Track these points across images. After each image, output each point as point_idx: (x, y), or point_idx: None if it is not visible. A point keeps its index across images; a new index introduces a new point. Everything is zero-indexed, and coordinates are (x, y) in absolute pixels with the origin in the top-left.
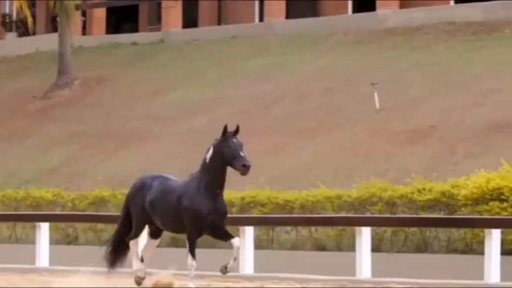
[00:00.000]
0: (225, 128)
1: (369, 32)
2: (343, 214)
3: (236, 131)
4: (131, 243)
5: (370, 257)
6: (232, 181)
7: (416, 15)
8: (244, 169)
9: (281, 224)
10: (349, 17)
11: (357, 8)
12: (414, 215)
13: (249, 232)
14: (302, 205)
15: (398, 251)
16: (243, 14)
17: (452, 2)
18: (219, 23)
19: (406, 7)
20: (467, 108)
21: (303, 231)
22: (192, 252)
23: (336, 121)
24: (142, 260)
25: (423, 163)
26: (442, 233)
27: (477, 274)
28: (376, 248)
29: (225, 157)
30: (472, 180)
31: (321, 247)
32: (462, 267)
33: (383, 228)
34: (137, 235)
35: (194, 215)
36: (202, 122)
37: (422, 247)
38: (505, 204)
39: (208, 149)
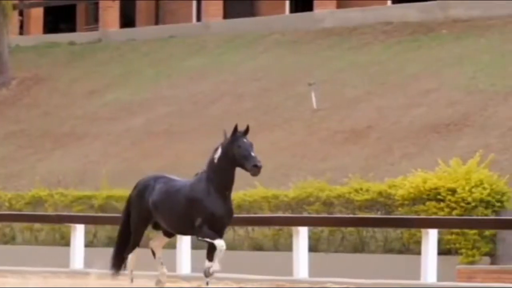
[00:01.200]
0: (235, 127)
1: (306, 32)
2: (280, 214)
3: (246, 130)
4: (131, 257)
5: (307, 257)
6: None
7: (353, 15)
8: (255, 169)
9: None
10: (286, 17)
11: (294, 8)
12: (351, 215)
13: None
14: (239, 205)
15: (335, 251)
16: (180, 14)
17: (389, 3)
18: (156, 23)
19: (343, 7)
20: (404, 108)
21: (240, 231)
22: (212, 237)
23: (273, 121)
24: (154, 254)
25: (360, 163)
26: (379, 233)
27: (413, 274)
28: (313, 248)
29: (235, 157)
30: (409, 180)
31: (258, 247)
32: (399, 267)
33: (320, 228)
34: (136, 242)
35: (209, 218)
36: (139, 121)
37: (359, 247)
38: (441, 204)
39: (216, 149)
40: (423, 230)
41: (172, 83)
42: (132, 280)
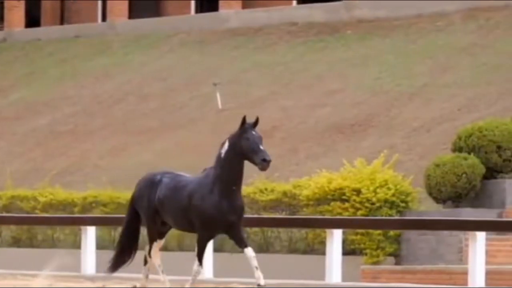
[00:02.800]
0: (244, 119)
1: (211, 32)
2: None
3: (256, 123)
4: (153, 253)
5: (212, 257)
6: (74, 182)
7: (259, 15)
8: (264, 163)
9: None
10: (192, 17)
11: (200, 8)
12: (256, 215)
13: (90, 232)
14: None
15: (240, 251)
16: (85, 14)
17: (294, 3)
18: (61, 23)
19: (248, 7)
20: (309, 108)
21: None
22: (199, 256)
23: (178, 121)
24: (146, 262)
25: None
26: (284, 233)
27: (318, 274)
28: (218, 248)
29: (243, 150)
30: (313, 181)
31: (163, 247)
32: (303, 267)
33: None
34: (153, 239)
35: (204, 216)
36: (44, 121)
37: (264, 247)
38: (346, 204)
39: (223, 143)
40: (327, 231)
41: (77, 83)
42: (147, 277)
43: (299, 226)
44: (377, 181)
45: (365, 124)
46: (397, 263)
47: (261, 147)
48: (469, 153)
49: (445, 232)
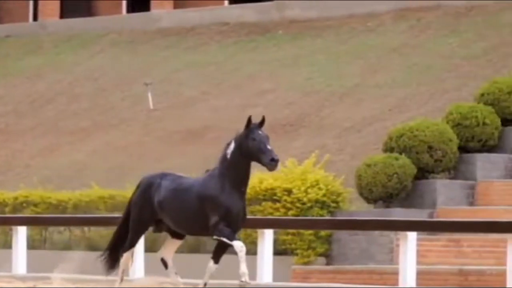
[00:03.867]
0: (249, 119)
1: (143, 32)
2: (117, 214)
3: (262, 122)
4: (125, 256)
5: (144, 257)
6: (5, 181)
7: (190, 15)
8: (273, 163)
9: (54, 224)
10: (124, 17)
11: (131, 8)
12: None
13: (21, 231)
14: (75, 205)
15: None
16: (17, 13)
17: (226, 3)
18: None
19: (180, 7)
20: (240, 108)
21: (76, 231)
22: (233, 239)
23: (110, 121)
24: (165, 264)
25: (196, 163)
26: None
27: (249, 274)
28: (150, 247)
29: (250, 150)
30: None
31: (94, 247)
32: (235, 267)
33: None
34: (133, 243)
35: (224, 213)
36: None
37: (196, 247)
38: (277, 205)
39: (228, 144)
40: (259, 231)
41: (8, 82)
42: (121, 280)
43: None
44: (308, 181)
45: (297, 124)
46: (328, 263)
47: (269, 147)
48: (400, 154)
49: (376, 232)
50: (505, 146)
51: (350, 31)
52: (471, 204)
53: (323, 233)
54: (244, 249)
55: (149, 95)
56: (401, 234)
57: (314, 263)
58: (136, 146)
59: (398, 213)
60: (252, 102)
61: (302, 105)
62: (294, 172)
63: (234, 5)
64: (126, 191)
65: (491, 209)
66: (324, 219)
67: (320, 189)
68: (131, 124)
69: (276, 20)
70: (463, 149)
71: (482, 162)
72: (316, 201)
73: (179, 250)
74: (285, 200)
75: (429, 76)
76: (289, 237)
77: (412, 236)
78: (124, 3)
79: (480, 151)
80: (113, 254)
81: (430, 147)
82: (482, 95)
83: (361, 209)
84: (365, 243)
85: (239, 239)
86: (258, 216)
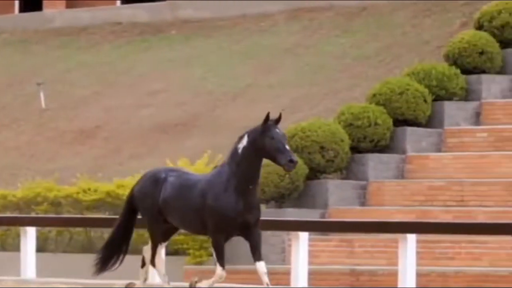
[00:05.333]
0: (267, 115)
1: (35, 32)
2: (8, 214)
3: (278, 119)
4: (157, 259)
5: (35, 257)
6: None
7: (83, 15)
8: (291, 165)
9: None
10: (16, 17)
11: (24, 8)
12: (79, 215)
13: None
14: None
15: (63, 251)
16: None
17: (118, 3)
18: None
19: (72, 7)
20: (132, 108)
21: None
22: (220, 261)
23: (1, 120)
24: (143, 264)
25: (88, 163)
26: (107, 233)
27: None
28: (41, 248)
29: (267, 149)
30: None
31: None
32: (129, 266)
33: (47, 228)
34: (157, 242)
35: (220, 216)
36: None
37: (87, 247)
38: None
39: (241, 138)
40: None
41: None
42: (168, 283)
43: None
44: None
45: (189, 124)
46: None
47: (287, 147)
48: None
49: (268, 232)
50: (397, 146)
51: (243, 31)
52: (363, 204)
53: None
54: (222, 279)
55: (41, 94)
56: (293, 234)
57: (206, 263)
58: (27, 145)
59: (290, 213)
60: (144, 102)
61: (194, 105)
62: None
63: (126, 5)
64: (17, 191)
65: (383, 209)
66: None
67: None
68: (23, 124)
69: (169, 20)
70: (355, 149)
71: (374, 163)
72: None
73: (69, 250)
74: None
75: (321, 77)
76: (181, 237)
77: (304, 236)
78: (16, 3)
79: (371, 151)
80: (110, 256)
81: (322, 147)
82: (374, 95)
83: None
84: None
85: (222, 268)
86: None
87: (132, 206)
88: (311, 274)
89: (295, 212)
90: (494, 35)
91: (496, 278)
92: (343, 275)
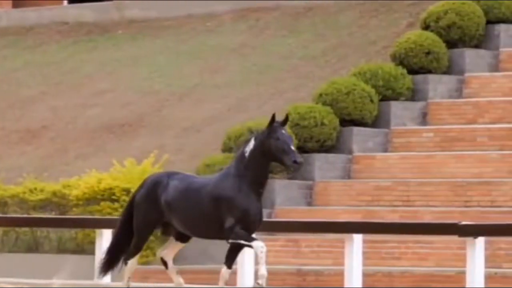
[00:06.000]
0: (273, 117)
1: None
2: None
3: (285, 121)
4: (131, 263)
5: None
6: None
7: (29, 15)
8: (296, 166)
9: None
10: None
11: None
12: (25, 215)
13: None
14: None
15: (9, 251)
16: None
17: (65, 3)
18: None
19: (19, 6)
20: (79, 108)
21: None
22: (250, 240)
23: None
24: (165, 264)
25: (35, 163)
26: (53, 233)
27: (88, 274)
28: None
29: (272, 151)
30: (84, 181)
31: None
32: (73, 266)
33: None
34: (139, 248)
35: (240, 214)
36: None
37: (33, 247)
38: (116, 205)
39: (247, 141)
40: (97, 231)
41: None
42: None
43: (68, 226)
44: None
45: (136, 124)
46: None
47: (292, 148)
48: None
49: None
50: (343, 146)
51: (190, 31)
52: (309, 204)
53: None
54: (264, 249)
55: None
56: None
57: (153, 263)
58: None
59: None
60: (91, 102)
61: (141, 105)
62: (132, 172)
63: (73, 5)
64: None
65: (329, 209)
66: None
67: None
68: None
69: (116, 20)
70: (301, 149)
71: (320, 163)
72: None
73: (15, 250)
74: (124, 200)
75: (268, 77)
76: None
77: None
78: None
79: (318, 151)
80: (111, 258)
81: None
82: (320, 95)
83: None
84: (204, 243)
85: (257, 239)
86: (97, 216)
87: (132, 210)
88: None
89: None
90: (440, 35)
91: (442, 278)
92: (290, 275)
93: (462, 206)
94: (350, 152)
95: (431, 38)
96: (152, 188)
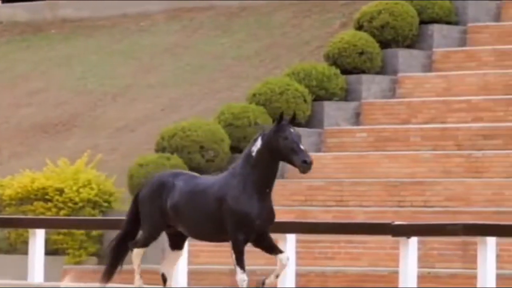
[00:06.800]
0: (281, 115)
1: None
2: None
3: (293, 119)
4: (136, 252)
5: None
6: None
7: None
8: (305, 166)
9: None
10: None
11: None
12: None
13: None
14: None
15: None
16: None
17: None
18: None
19: None
20: (12, 108)
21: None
22: (240, 264)
23: None
24: (165, 280)
25: None
26: None
27: (21, 274)
28: None
29: (281, 150)
30: (17, 180)
31: None
32: (6, 267)
33: None
34: (146, 244)
35: (242, 219)
36: None
37: (6, 248)
38: (49, 204)
39: (254, 141)
40: (30, 230)
41: None
42: (140, 276)
43: (1, 225)
44: (80, 181)
45: (69, 124)
46: (99, 263)
47: (302, 147)
48: (172, 153)
49: None
50: None
51: (123, 31)
52: None
53: (94, 232)
54: (245, 280)
55: None
56: None
57: (85, 263)
58: None
59: None
60: (24, 102)
61: (74, 105)
62: (66, 172)
63: (6, 4)
64: None
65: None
66: (95, 219)
67: (92, 189)
68: None
69: (49, 20)
70: (235, 149)
71: None
72: (88, 200)
73: None
74: (57, 200)
75: (201, 76)
76: (61, 236)
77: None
78: None
79: None
80: (115, 265)
81: (202, 147)
82: (254, 95)
83: None
84: None
85: (242, 271)
86: (30, 216)
87: (137, 209)
88: (191, 274)
89: None
90: (374, 36)
91: (375, 278)
92: (223, 275)
93: (395, 206)
94: None
95: (364, 38)
96: (157, 190)
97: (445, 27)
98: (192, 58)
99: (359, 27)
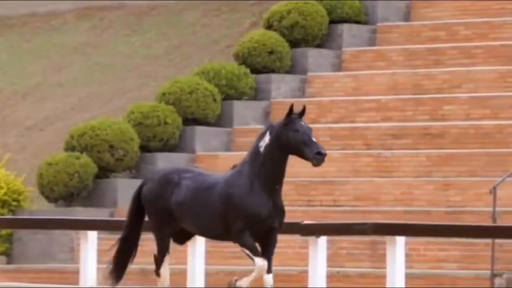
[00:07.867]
0: (291, 108)
1: None
2: None
3: (303, 112)
4: (163, 271)
5: None
6: None
7: None
8: (319, 158)
9: None
10: None
11: None
12: None
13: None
14: None
15: None
16: None
17: None
18: None
19: None
20: None
21: None
22: (256, 253)
23: None
24: (157, 266)
25: None
26: None
27: None
28: None
29: (292, 144)
30: None
31: None
32: None
33: None
34: (164, 252)
35: (249, 218)
36: None
37: None
38: None
39: (262, 135)
40: None
41: None
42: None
43: None
44: None
45: None
46: (9, 262)
47: (314, 139)
48: (81, 152)
49: (57, 232)
50: (186, 145)
51: (33, 29)
52: None
53: (3, 232)
54: (265, 267)
55: None
56: (81, 233)
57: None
58: None
59: (79, 212)
60: None
61: None
62: None
63: None
64: None
65: None
66: (4, 218)
67: (1, 188)
68: None
69: None
70: (145, 148)
71: (163, 162)
72: None
73: None
74: None
75: (110, 76)
76: None
77: (93, 235)
78: None
79: (161, 150)
80: (121, 264)
81: (111, 146)
82: (164, 94)
83: (42, 208)
84: (46, 242)
85: (261, 258)
86: None
87: (140, 204)
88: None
89: (84, 211)
90: (283, 35)
91: (284, 277)
92: (133, 274)
93: (305, 205)
94: (193, 151)
95: (274, 38)
96: (163, 186)
97: (354, 26)
98: (102, 57)
99: (269, 27)
